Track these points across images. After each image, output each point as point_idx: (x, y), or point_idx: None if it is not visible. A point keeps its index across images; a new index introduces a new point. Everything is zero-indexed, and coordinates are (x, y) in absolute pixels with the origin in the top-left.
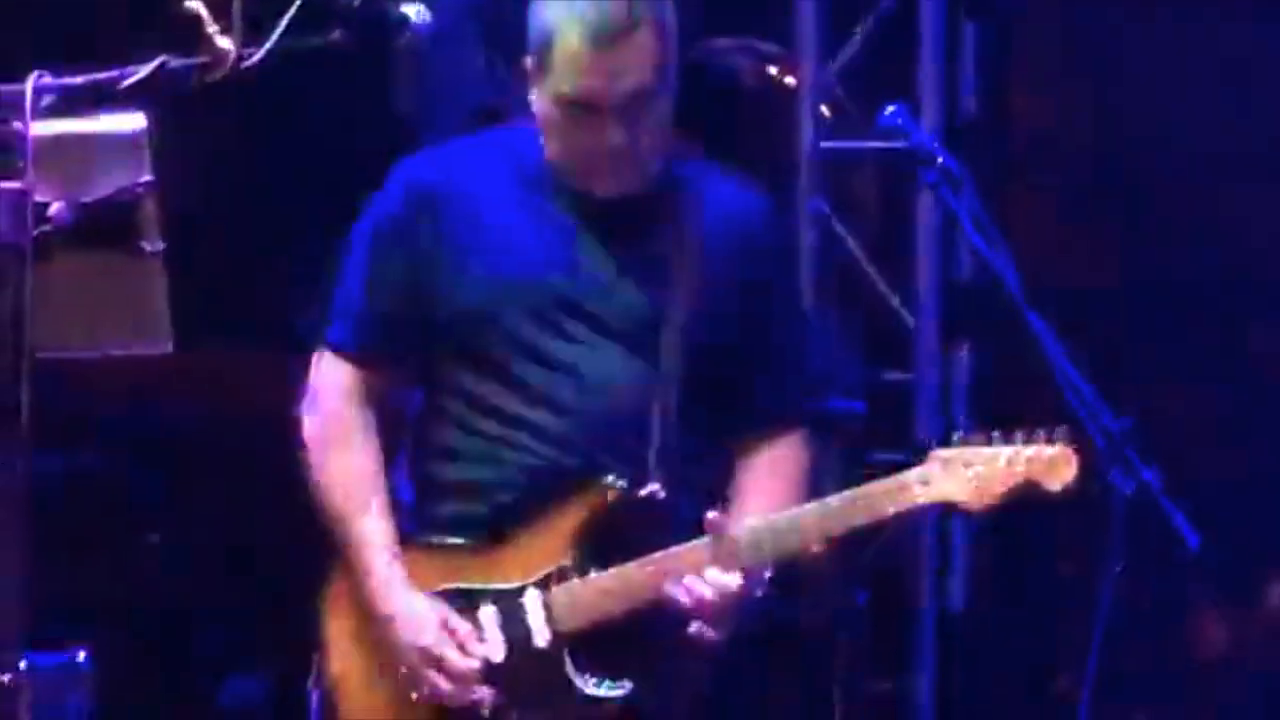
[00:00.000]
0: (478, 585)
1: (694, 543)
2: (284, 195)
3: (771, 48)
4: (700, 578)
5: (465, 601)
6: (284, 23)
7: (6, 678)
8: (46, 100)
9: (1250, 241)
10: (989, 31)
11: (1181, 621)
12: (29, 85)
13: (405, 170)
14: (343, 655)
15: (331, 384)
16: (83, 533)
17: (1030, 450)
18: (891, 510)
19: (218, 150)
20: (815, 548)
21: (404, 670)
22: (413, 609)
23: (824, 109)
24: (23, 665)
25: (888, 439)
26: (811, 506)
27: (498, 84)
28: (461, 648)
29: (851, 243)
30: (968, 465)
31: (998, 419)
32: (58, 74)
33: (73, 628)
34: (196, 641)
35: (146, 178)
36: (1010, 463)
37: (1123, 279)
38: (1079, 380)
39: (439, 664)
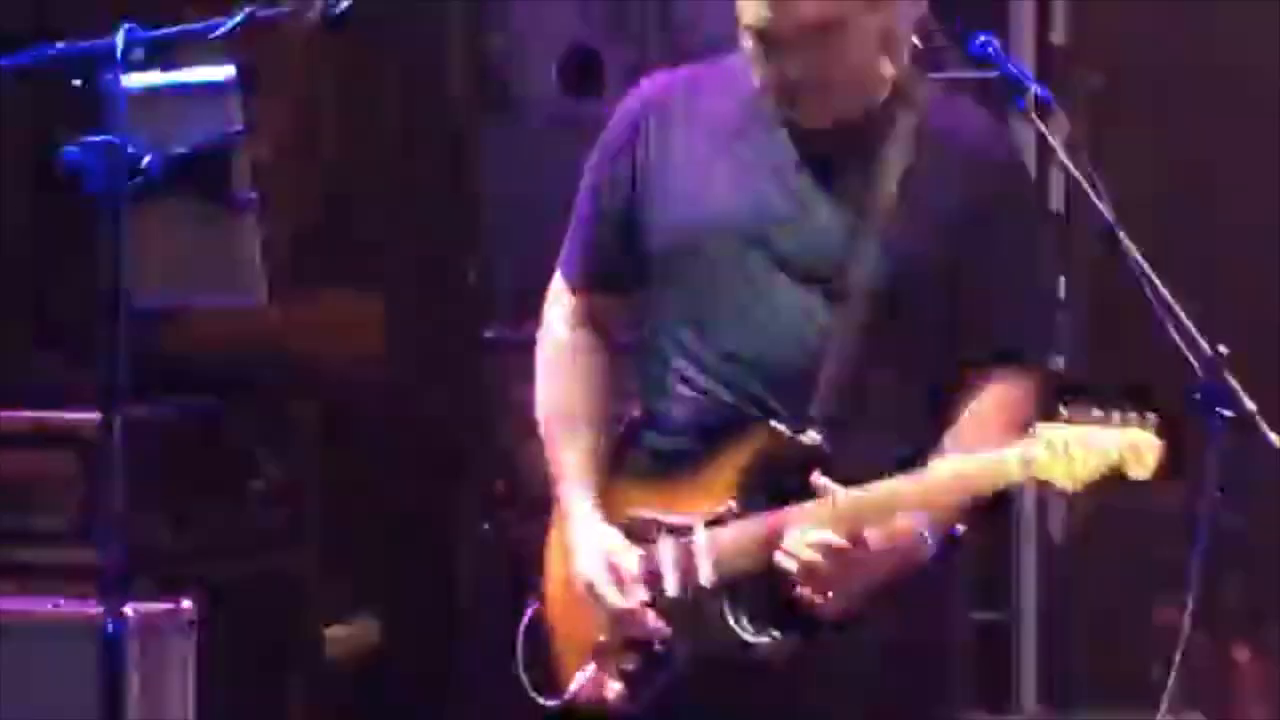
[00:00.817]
0: (661, 516)
1: (810, 503)
2: (376, 138)
3: None
4: (800, 540)
5: (649, 532)
6: None
7: (111, 624)
8: (137, 52)
9: None
10: None
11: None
12: (120, 37)
13: (632, 94)
14: (552, 576)
15: (555, 313)
16: (185, 480)
17: (1125, 438)
18: (990, 488)
19: (309, 97)
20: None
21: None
22: (588, 542)
23: (913, 38)
24: (128, 611)
25: None
26: (909, 480)
27: (591, 21)
28: (620, 585)
29: None
30: (1068, 449)
31: (1091, 343)
32: (148, 26)
33: (178, 575)
34: (303, 589)
35: (237, 127)
36: (1105, 450)
37: (1218, 204)
38: (1173, 306)
39: (600, 600)
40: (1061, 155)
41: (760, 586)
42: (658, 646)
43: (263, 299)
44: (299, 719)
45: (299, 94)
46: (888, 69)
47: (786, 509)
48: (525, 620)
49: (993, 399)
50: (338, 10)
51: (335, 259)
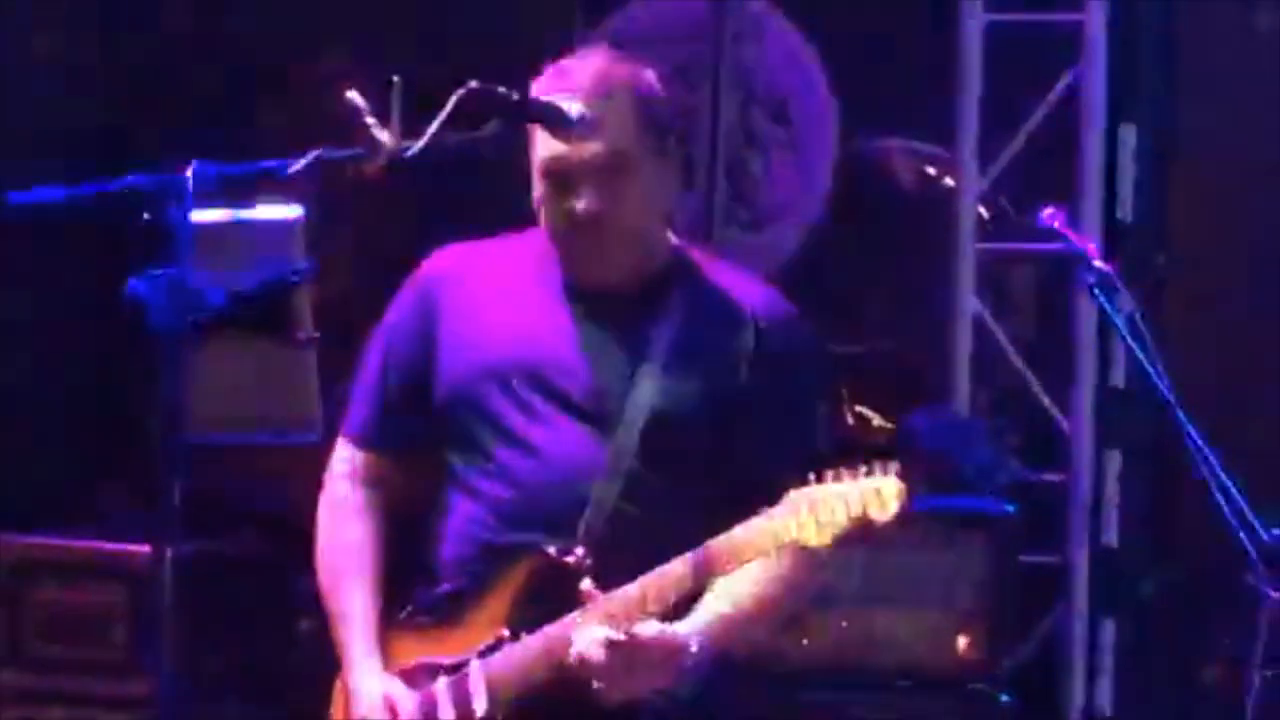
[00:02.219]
0: (439, 659)
1: (579, 611)
2: None
3: (930, 148)
4: (584, 639)
5: (428, 676)
6: (442, 116)
7: None
8: (205, 188)
9: None
10: (1147, 136)
11: None
12: (189, 173)
13: (422, 268)
14: None
15: (338, 468)
16: (237, 618)
17: (866, 485)
18: (755, 555)
19: (373, 240)
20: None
21: None
22: (365, 686)
23: (981, 210)
24: None
25: (1039, 540)
26: (678, 561)
27: None
28: None
29: (1007, 344)
30: (812, 508)
31: (1150, 523)
32: (217, 163)
33: (229, 708)
34: None
35: (301, 266)
36: (846, 499)
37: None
38: (1231, 488)
39: None
40: (1123, 331)
41: (536, 706)
42: None
43: (318, 436)
44: None
45: (366, 234)
46: (664, 233)
47: (559, 621)
48: None
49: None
50: (407, 155)
51: None
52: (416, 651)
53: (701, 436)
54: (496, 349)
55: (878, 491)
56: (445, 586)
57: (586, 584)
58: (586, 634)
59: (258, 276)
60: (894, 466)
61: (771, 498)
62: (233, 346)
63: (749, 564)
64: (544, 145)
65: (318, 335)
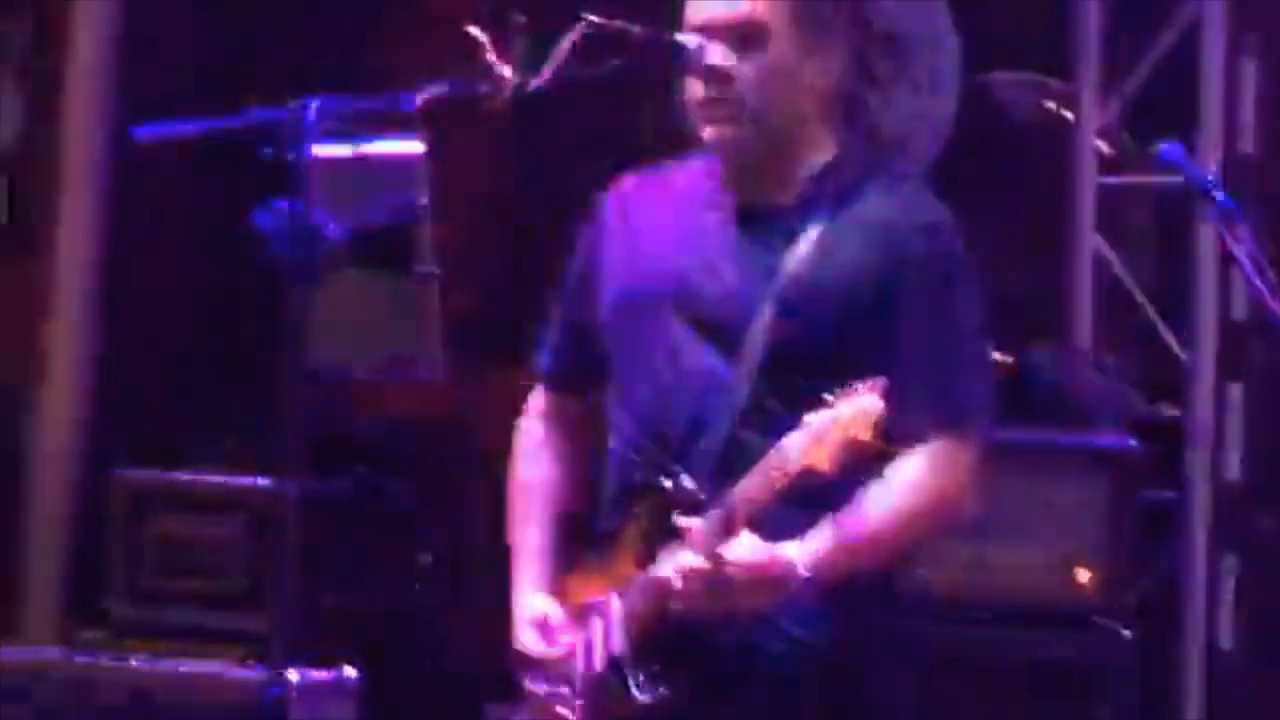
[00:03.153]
0: (593, 599)
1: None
2: (563, 216)
3: (1051, 82)
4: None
5: (586, 615)
6: (563, 50)
7: (274, 689)
8: (328, 123)
9: None
10: (1270, 69)
11: None
12: (312, 108)
13: (599, 199)
14: None
15: (531, 408)
16: (353, 551)
17: (853, 406)
18: (779, 487)
19: (493, 175)
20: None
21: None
22: (525, 617)
23: (1102, 144)
24: (293, 678)
25: (1159, 475)
26: (733, 492)
27: None
28: (547, 637)
29: (1128, 278)
30: (824, 432)
31: (1272, 458)
32: (340, 97)
33: (344, 646)
34: (465, 663)
35: (422, 201)
36: (839, 421)
37: None
38: None
39: (532, 659)
40: (1244, 264)
41: (657, 643)
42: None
43: (441, 372)
44: None
45: (486, 170)
46: (822, 128)
47: (661, 555)
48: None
49: (912, 465)
50: (530, 89)
51: (502, 340)
52: (582, 590)
53: (829, 361)
54: (639, 280)
55: (863, 411)
56: (602, 526)
57: (682, 519)
58: (671, 563)
59: (379, 211)
60: (878, 384)
61: (944, 437)
62: (354, 281)
63: (881, 491)
64: (686, 8)
65: (438, 271)
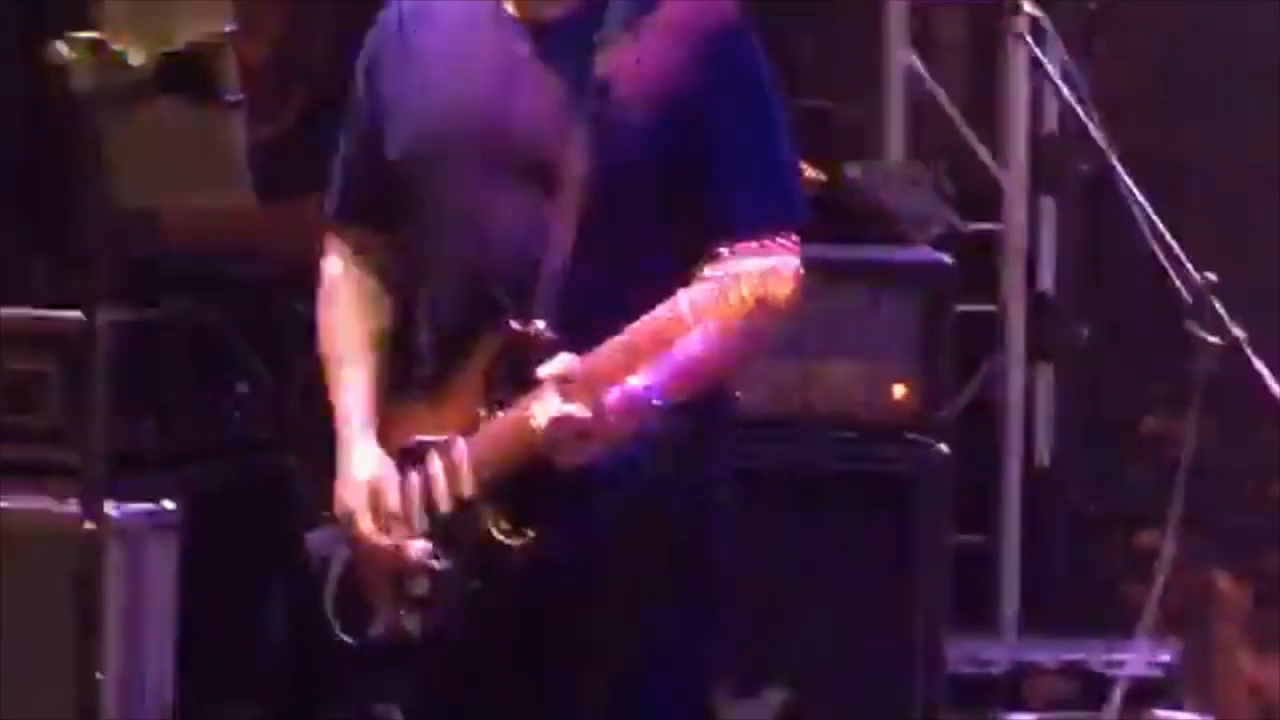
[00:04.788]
0: (429, 438)
1: (542, 387)
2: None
3: None
4: (543, 413)
5: (423, 454)
6: None
7: (91, 525)
8: None
9: None
10: None
11: (1266, 478)
12: None
13: (380, 15)
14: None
15: (328, 250)
16: (169, 382)
17: (765, 263)
18: (674, 334)
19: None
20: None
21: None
22: (353, 474)
23: None
24: (110, 512)
25: (973, 289)
26: (614, 345)
27: None
28: (378, 518)
29: (940, 94)
30: (721, 293)
31: (1082, 271)
32: None
33: (164, 477)
34: (286, 491)
35: (227, 27)
36: (749, 275)
37: (1210, 129)
38: (1163, 232)
39: (361, 533)
40: (1055, 79)
41: (516, 485)
42: (439, 567)
43: (250, 199)
44: (278, 622)
45: None
46: None
47: (524, 400)
48: (339, 566)
49: (728, 270)
50: None
51: (317, 162)
52: (411, 430)
53: (649, 179)
54: (433, 114)
55: (776, 270)
56: (425, 368)
57: (543, 369)
58: (544, 408)
59: (181, 38)
60: (793, 243)
61: (763, 240)
62: (158, 109)
63: (712, 306)
64: None
65: (244, 97)
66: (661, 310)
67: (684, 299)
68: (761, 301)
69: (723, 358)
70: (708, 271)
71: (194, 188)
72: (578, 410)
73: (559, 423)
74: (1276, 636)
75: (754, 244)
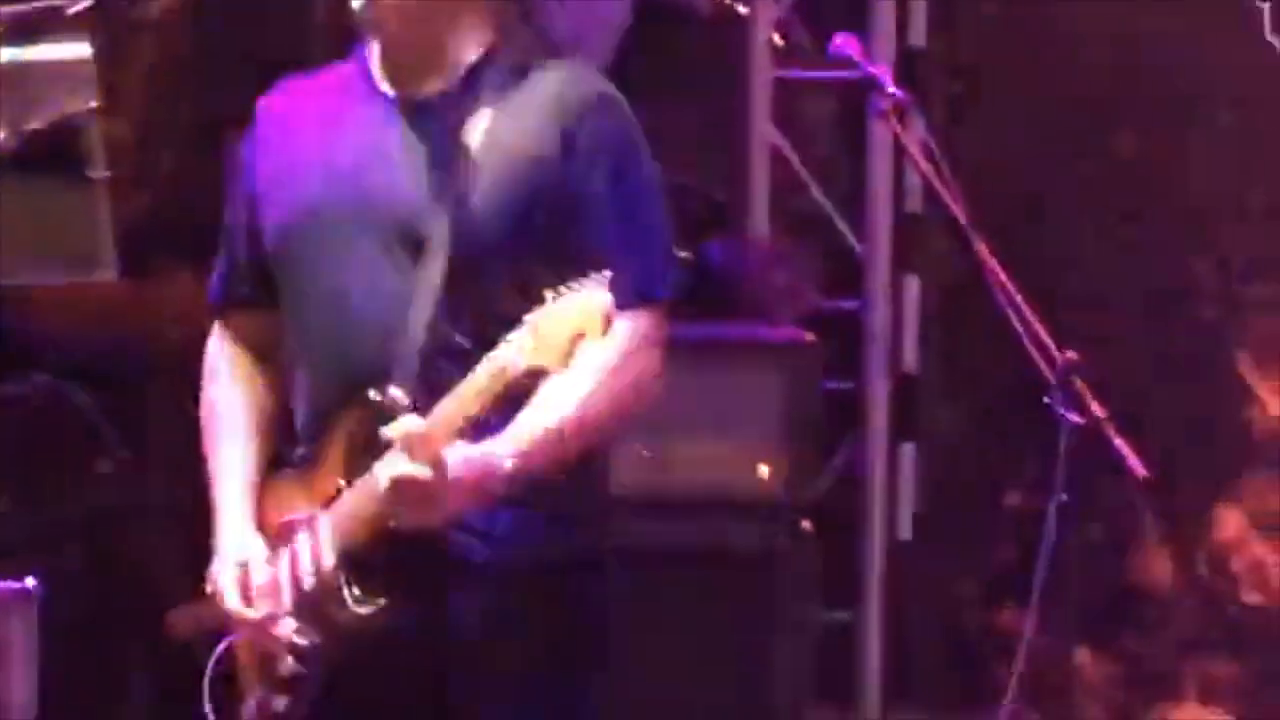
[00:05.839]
0: (298, 515)
1: (390, 451)
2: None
3: None
4: (385, 473)
5: (291, 533)
6: None
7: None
8: None
9: (1202, 177)
10: None
11: (1128, 554)
12: None
13: (256, 109)
14: None
15: (213, 333)
16: (30, 458)
17: (582, 302)
18: (504, 380)
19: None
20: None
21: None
22: (224, 552)
23: (776, 37)
24: None
25: (837, 368)
26: (450, 397)
27: None
28: (247, 596)
29: (803, 172)
30: (537, 329)
31: (945, 348)
32: (5, 3)
33: (24, 555)
34: (148, 569)
35: (91, 104)
36: (567, 318)
37: (1071, 211)
38: (1025, 311)
39: (229, 613)
40: (917, 158)
41: (372, 555)
42: (303, 644)
43: (114, 276)
44: (140, 698)
45: (156, 71)
46: (482, 21)
47: (376, 465)
48: (218, 647)
49: (609, 341)
50: None
51: (182, 239)
52: (283, 509)
53: (518, 250)
54: (305, 190)
55: (593, 305)
56: (300, 447)
57: (386, 429)
58: (386, 469)
59: (46, 116)
60: (603, 277)
61: (631, 308)
62: (22, 186)
63: (572, 376)
64: None
65: (109, 174)
66: (489, 358)
67: (508, 345)
68: (577, 337)
69: (575, 423)
70: (529, 316)
71: (59, 265)
72: (418, 470)
73: (400, 484)
74: (1137, 713)
75: (573, 285)
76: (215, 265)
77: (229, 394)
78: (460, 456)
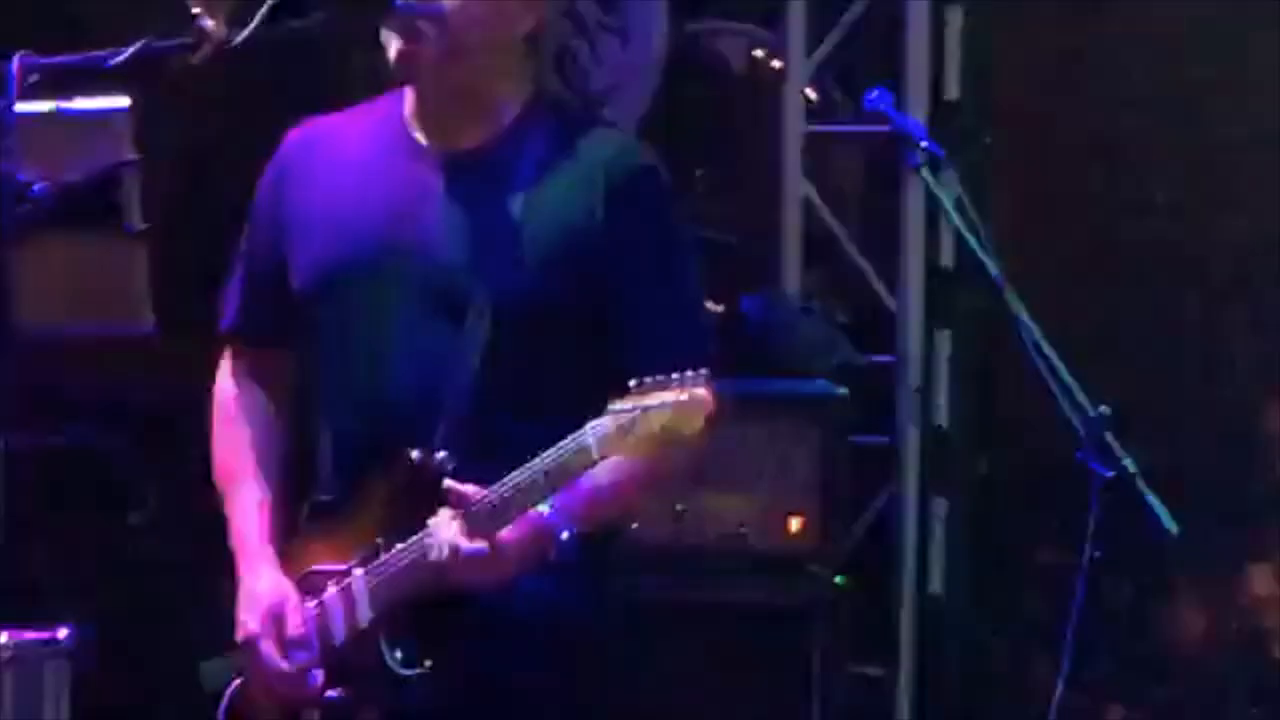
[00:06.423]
0: (328, 566)
1: (442, 512)
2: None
3: (759, 31)
4: (441, 543)
5: (320, 583)
6: (268, 5)
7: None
8: (32, 79)
9: (1239, 233)
10: (974, 17)
11: (1161, 610)
12: (15, 64)
13: (281, 145)
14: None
15: (222, 368)
16: (67, 512)
17: (676, 399)
18: (577, 469)
19: (204, 131)
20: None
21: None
22: (254, 598)
23: (809, 93)
24: (2, 639)
25: (870, 422)
26: (525, 472)
27: None
28: (281, 646)
29: (836, 226)
30: (633, 424)
31: (977, 403)
32: (42, 55)
33: (57, 605)
34: (178, 622)
35: (129, 158)
36: (660, 414)
37: (1105, 265)
38: (1057, 366)
39: (262, 660)
40: (950, 212)
41: (412, 617)
42: (333, 697)
43: (150, 327)
44: None
45: (196, 122)
46: (517, 72)
47: (426, 526)
48: (228, 693)
49: (639, 403)
50: (235, 43)
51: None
52: (309, 558)
53: (559, 317)
54: (341, 242)
55: (683, 406)
56: (325, 496)
57: (448, 482)
58: (441, 537)
59: (85, 168)
60: (702, 376)
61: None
62: (61, 240)
63: (619, 439)
64: None
65: (147, 227)
66: (568, 442)
67: (590, 432)
68: (670, 436)
69: (631, 489)
70: (617, 405)
71: (97, 316)
72: (474, 545)
73: (456, 554)
74: None
75: (665, 378)
76: (228, 290)
77: (244, 434)
78: (519, 526)
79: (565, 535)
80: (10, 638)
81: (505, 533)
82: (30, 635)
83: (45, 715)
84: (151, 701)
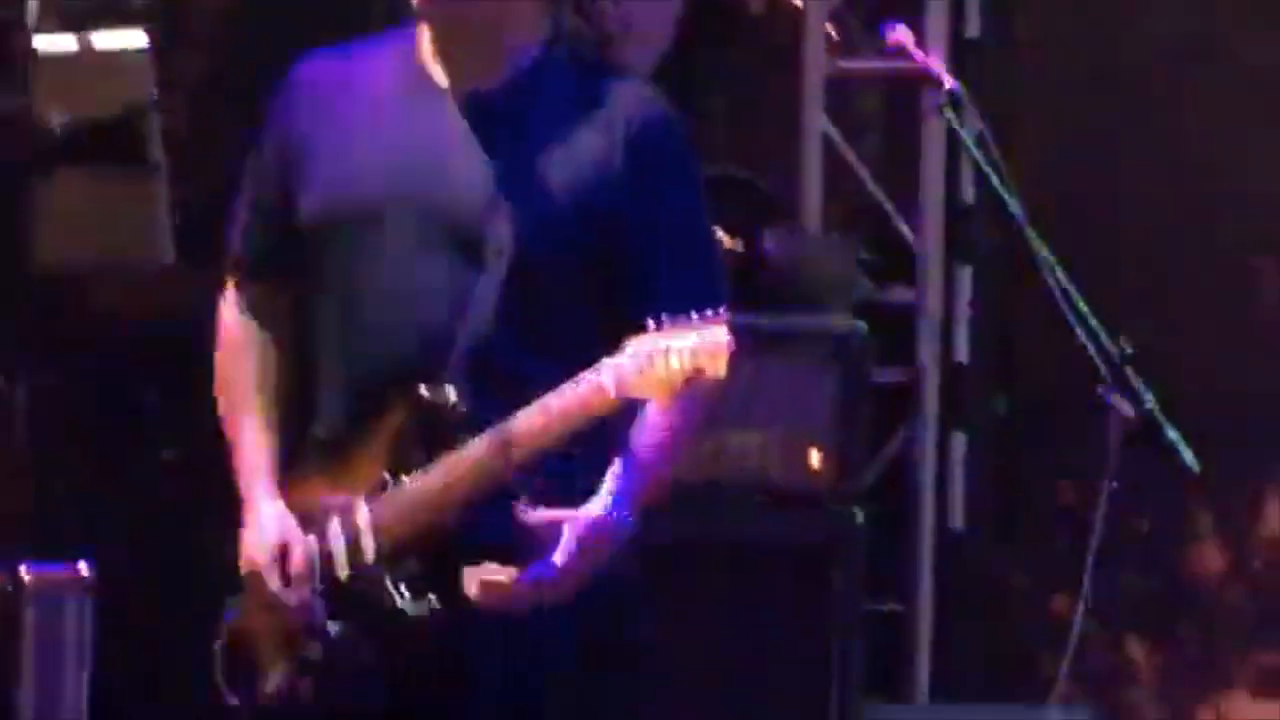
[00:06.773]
0: (332, 500)
1: (453, 454)
2: None
3: None
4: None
5: (323, 516)
6: None
7: (6, 586)
8: (51, 15)
9: (1267, 172)
10: None
11: (1179, 545)
12: (34, 1)
13: (288, 76)
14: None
15: (226, 298)
16: (94, 446)
17: (700, 339)
18: (592, 413)
19: (224, 66)
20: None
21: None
22: (259, 531)
23: (830, 29)
24: (24, 572)
25: (889, 358)
26: (533, 412)
27: None
28: (285, 577)
29: (856, 163)
30: (651, 361)
31: (998, 340)
32: None
33: (80, 539)
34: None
35: (149, 93)
36: (681, 352)
37: (1125, 200)
38: (1079, 301)
39: (267, 591)
40: (972, 149)
41: (418, 552)
42: (333, 631)
43: (171, 260)
44: (195, 690)
45: (215, 60)
46: (536, 13)
47: (437, 465)
48: (227, 620)
49: (656, 343)
50: None
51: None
52: (312, 490)
53: (577, 259)
54: (356, 180)
55: (708, 348)
56: (329, 431)
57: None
58: (478, 575)
59: (104, 103)
60: (721, 317)
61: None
62: (80, 173)
63: (674, 415)
64: None
65: (166, 160)
66: (584, 379)
67: (608, 369)
68: (692, 376)
69: (669, 449)
70: (633, 344)
71: (116, 251)
72: (500, 577)
73: (488, 589)
74: (1188, 704)
75: (683, 318)
76: (235, 216)
77: (248, 367)
78: (587, 527)
79: (630, 525)
80: (31, 572)
81: (562, 558)
82: (51, 570)
83: (67, 649)
84: (172, 638)
